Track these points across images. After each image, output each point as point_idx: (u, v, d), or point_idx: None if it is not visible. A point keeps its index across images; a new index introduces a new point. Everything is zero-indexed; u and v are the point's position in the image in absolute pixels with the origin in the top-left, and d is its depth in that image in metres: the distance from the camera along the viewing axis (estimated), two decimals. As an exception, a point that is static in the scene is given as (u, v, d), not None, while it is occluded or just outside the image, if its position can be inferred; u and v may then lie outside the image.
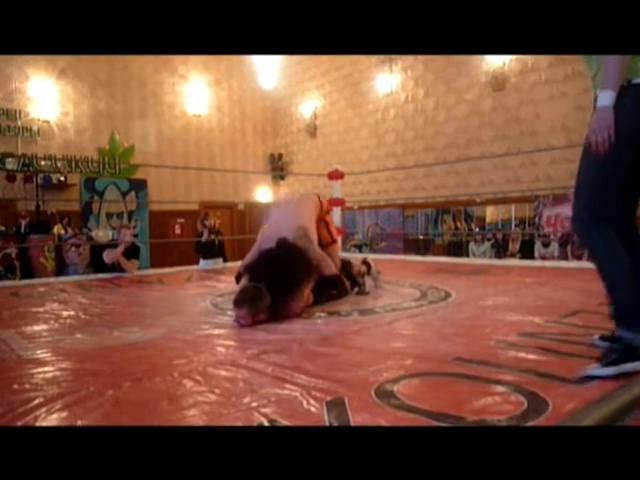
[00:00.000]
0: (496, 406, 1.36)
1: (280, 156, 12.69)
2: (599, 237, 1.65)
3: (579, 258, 6.74)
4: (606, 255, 1.66)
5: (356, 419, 1.28)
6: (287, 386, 1.59)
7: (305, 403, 1.42)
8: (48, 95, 9.53)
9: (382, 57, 9.94)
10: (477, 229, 8.75)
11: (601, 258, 1.68)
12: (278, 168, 12.54)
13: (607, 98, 1.56)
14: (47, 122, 9.53)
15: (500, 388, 1.49)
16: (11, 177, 8.69)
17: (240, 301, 2.54)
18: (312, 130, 11.89)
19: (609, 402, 1.36)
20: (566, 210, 7.26)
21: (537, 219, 7.68)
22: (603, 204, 1.64)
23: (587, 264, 5.72)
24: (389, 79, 9.96)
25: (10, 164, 8.54)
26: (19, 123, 9.15)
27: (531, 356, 1.82)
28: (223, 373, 1.75)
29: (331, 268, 3.04)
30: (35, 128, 9.33)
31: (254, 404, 1.46)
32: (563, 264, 5.84)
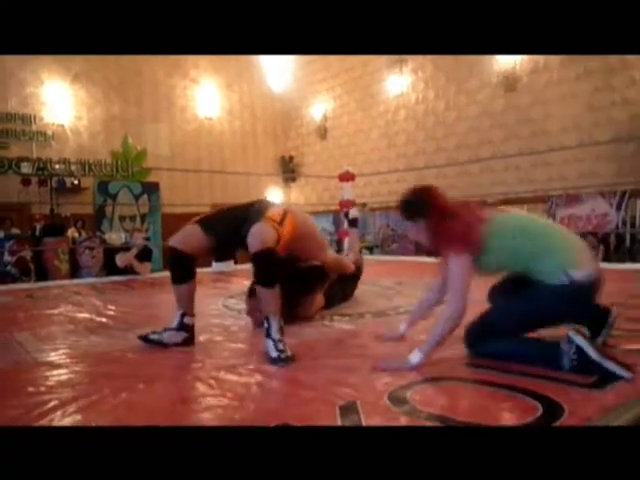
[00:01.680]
0: (511, 412, 1.35)
1: (291, 158, 12.71)
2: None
3: (593, 259, 6.66)
4: None
5: (369, 424, 1.28)
6: (300, 390, 1.59)
7: (318, 407, 1.42)
8: (62, 99, 9.64)
9: (392, 58, 9.91)
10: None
11: None
12: (289, 170, 12.56)
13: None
14: (61, 126, 9.64)
15: (514, 393, 1.48)
16: (26, 181, 8.79)
17: (254, 292, 2.53)
18: (323, 132, 11.90)
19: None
20: (579, 210, 7.19)
21: (550, 219, 7.62)
22: None
23: (601, 265, 5.65)
24: (399, 80, 9.94)
25: (25, 168, 8.64)
26: (34, 127, 9.27)
27: (545, 359, 1.80)
28: (236, 376, 1.76)
29: (349, 267, 3.06)
30: (49, 132, 9.45)
31: (267, 408, 1.46)
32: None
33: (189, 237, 2.26)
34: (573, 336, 1.62)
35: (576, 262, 1.75)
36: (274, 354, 1.91)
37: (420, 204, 1.90)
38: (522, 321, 1.82)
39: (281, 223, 2.11)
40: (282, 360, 1.89)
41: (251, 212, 2.25)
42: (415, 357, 1.75)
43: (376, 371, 1.73)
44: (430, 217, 1.87)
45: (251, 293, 2.57)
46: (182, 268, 2.28)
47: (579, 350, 1.60)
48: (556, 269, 1.74)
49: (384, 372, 1.71)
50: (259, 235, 2.01)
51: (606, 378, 1.53)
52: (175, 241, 2.26)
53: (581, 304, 1.81)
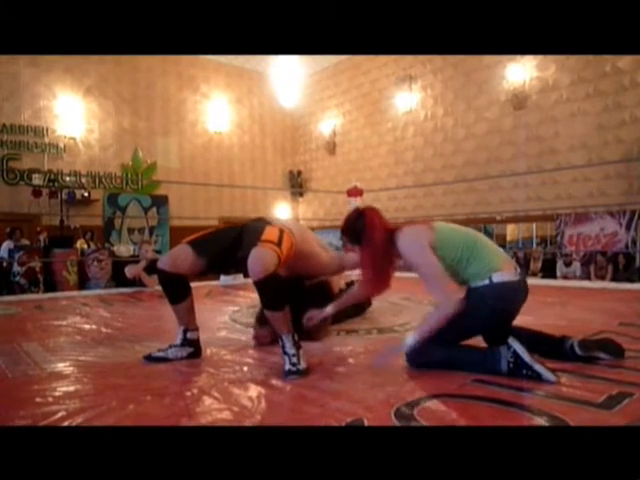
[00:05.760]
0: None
1: (299, 173, 12.77)
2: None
3: (602, 278, 6.62)
4: None
5: (375, 440, 1.27)
6: (306, 406, 1.58)
7: (325, 424, 1.41)
8: (74, 113, 9.77)
9: (401, 76, 10.00)
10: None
11: None
12: (297, 185, 12.62)
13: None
14: (73, 139, 9.76)
15: (522, 412, 1.46)
16: (37, 192, 8.89)
17: (263, 320, 2.52)
18: (331, 147, 11.96)
19: None
20: (588, 229, 7.15)
21: (559, 238, 7.58)
22: None
23: (609, 284, 5.62)
24: (408, 97, 10.00)
25: (36, 180, 8.74)
26: (46, 140, 9.38)
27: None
28: (242, 391, 1.75)
29: None
30: (61, 145, 9.56)
31: (273, 423, 1.45)
32: (585, 284, 5.75)
33: (179, 259, 2.22)
34: (512, 342, 1.80)
35: (498, 267, 1.95)
36: (287, 367, 1.95)
37: (362, 228, 2.00)
38: (456, 327, 1.90)
39: (279, 244, 2.07)
40: (294, 373, 1.91)
41: (244, 233, 2.23)
42: (410, 339, 1.91)
43: (375, 367, 1.93)
44: (374, 239, 1.97)
45: (260, 321, 2.56)
46: (175, 289, 2.26)
47: (515, 354, 1.78)
48: (482, 272, 1.93)
49: (384, 366, 1.92)
50: (259, 261, 1.96)
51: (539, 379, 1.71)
52: (164, 264, 2.22)
53: (504, 304, 1.97)
